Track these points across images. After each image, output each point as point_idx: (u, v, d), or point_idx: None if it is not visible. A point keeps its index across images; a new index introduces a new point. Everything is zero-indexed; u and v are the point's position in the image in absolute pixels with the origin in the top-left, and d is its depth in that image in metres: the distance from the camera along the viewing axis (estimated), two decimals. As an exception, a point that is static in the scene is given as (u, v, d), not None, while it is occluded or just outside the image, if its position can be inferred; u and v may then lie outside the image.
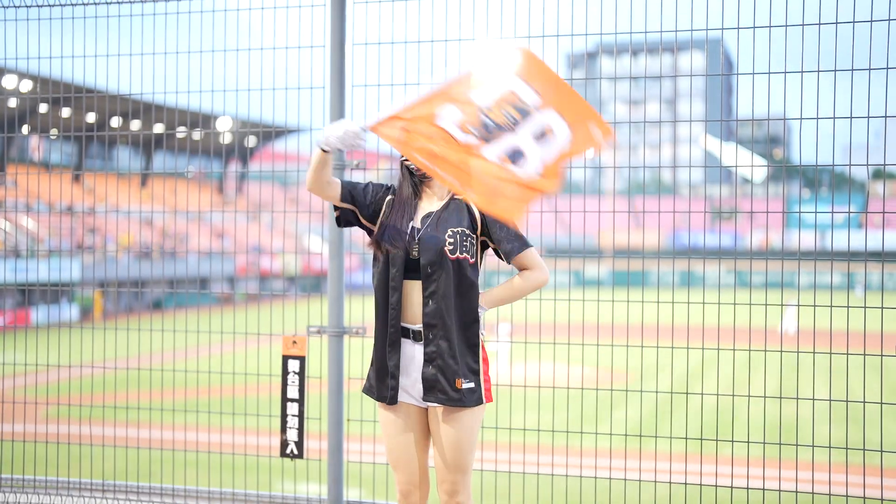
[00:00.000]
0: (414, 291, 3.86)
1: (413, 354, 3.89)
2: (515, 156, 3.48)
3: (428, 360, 3.84)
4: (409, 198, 3.95)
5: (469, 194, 3.49)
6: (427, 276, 3.82)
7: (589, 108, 3.59)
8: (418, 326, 3.86)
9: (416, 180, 3.98)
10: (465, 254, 3.86)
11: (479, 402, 3.88)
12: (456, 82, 3.61)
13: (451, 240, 3.85)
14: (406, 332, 3.90)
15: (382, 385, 3.94)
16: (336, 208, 3.97)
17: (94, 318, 30.57)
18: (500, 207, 3.46)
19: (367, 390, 4.03)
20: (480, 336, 3.93)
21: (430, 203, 3.98)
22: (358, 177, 4.65)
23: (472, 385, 3.87)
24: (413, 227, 3.89)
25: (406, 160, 3.89)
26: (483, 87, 3.58)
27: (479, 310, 3.93)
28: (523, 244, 3.95)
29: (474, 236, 3.93)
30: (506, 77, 3.59)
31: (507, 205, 3.46)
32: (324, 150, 3.66)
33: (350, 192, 3.91)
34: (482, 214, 3.92)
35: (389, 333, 3.88)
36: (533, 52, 3.64)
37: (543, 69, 3.62)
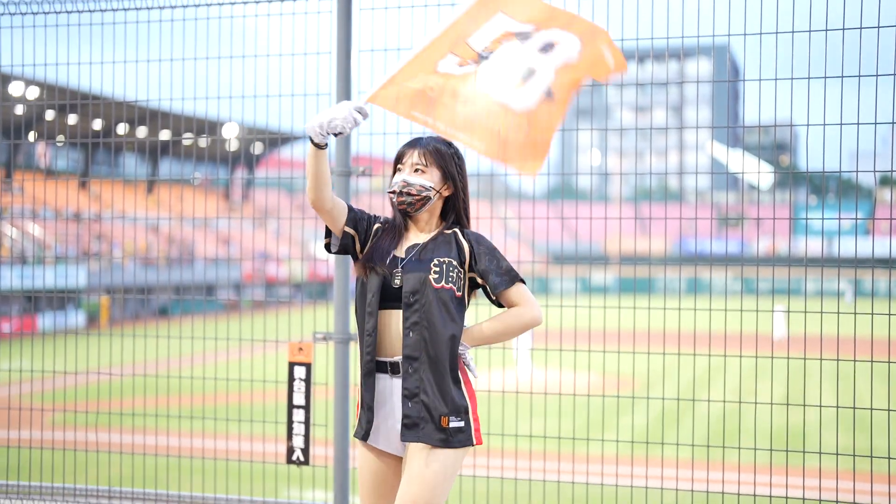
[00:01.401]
0: (392, 321, 3.61)
1: (391, 391, 3.62)
2: (527, 74, 3.36)
3: (408, 395, 3.55)
4: (399, 227, 3.74)
5: (475, 143, 3.37)
6: (408, 305, 3.57)
7: (601, 31, 3.39)
8: (396, 359, 3.60)
9: (402, 213, 3.76)
10: (450, 284, 3.60)
11: (467, 442, 3.59)
12: (450, 31, 3.50)
13: (437, 269, 3.60)
14: (382, 366, 3.63)
15: (362, 420, 3.67)
16: (329, 233, 3.75)
17: (101, 324, 30.61)
18: (510, 158, 3.33)
19: (357, 431, 3.74)
20: (468, 373, 3.69)
21: (416, 236, 3.76)
22: (364, 183, 4.61)
23: (461, 424, 3.57)
24: (395, 256, 3.67)
25: (392, 191, 3.70)
26: (477, 34, 3.48)
27: (462, 348, 3.66)
28: (512, 279, 3.66)
29: (462, 269, 3.66)
30: (497, 20, 3.48)
31: (516, 155, 3.34)
32: (316, 146, 3.50)
33: (355, 219, 3.71)
34: (471, 247, 3.69)
35: (365, 363, 3.62)
36: None
37: (535, 4, 3.48)
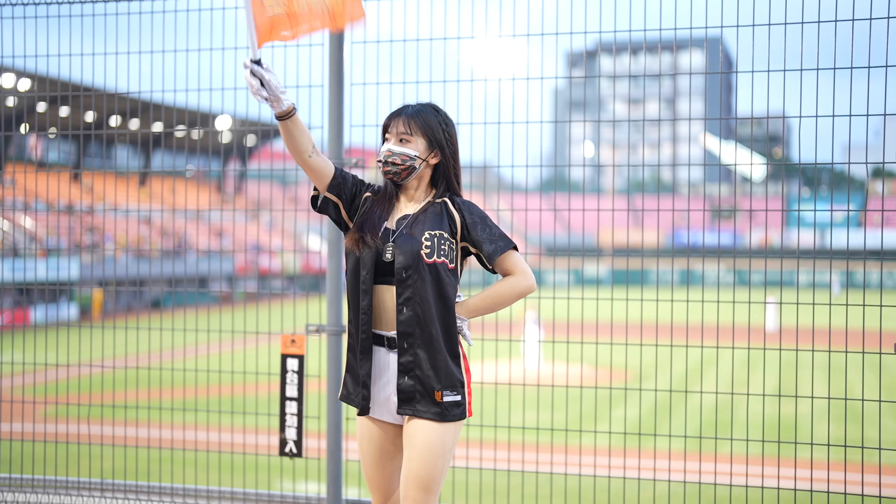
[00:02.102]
0: (387, 296, 3.62)
1: (387, 363, 3.65)
2: None
3: (404, 370, 3.58)
4: (390, 196, 3.74)
5: (316, 24, 3.46)
6: (401, 281, 3.56)
7: None
8: (392, 333, 3.62)
9: (391, 182, 3.76)
10: (442, 258, 3.60)
11: (462, 416, 3.63)
12: None
13: (428, 243, 3.59)
14: (379, 340, 3.65)
15: (355, 393, 3.72)
16: (316, 189, 3.74)
17: (94, 316, 30.58)
18: (338, 20, 3.48)
19: (345, 397, 3.79)
20: (463, 343, 3.72)
21: (407, 207, 3.75)
22: (357, 175, 4.59)
23: (457, 398, 3.61)
24: (387, 228, 3.67)
25: (379, 161, 3.70)
26: None
27: (458, 320, 3.68)
28: (507, 244, 3.67)
29: (453, 241, 3.66)
30: None
31: (342, 14, 3.50)
32: (279, 118, 3.48)
33: (339, 186, 3.70)
34: (462, 217, 3.69)
35: (361, 340, 3.63)
36: None
37: None
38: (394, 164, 3.68)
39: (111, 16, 5.97)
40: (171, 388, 15.57)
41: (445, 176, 3.79)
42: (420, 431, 3.57)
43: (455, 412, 3.60)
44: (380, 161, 3.72)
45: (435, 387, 3.57)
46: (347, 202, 3.74)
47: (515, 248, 3.73)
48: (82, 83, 6.60)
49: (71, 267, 29.54)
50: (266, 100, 3.41)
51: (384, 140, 3.75)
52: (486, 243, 3.66)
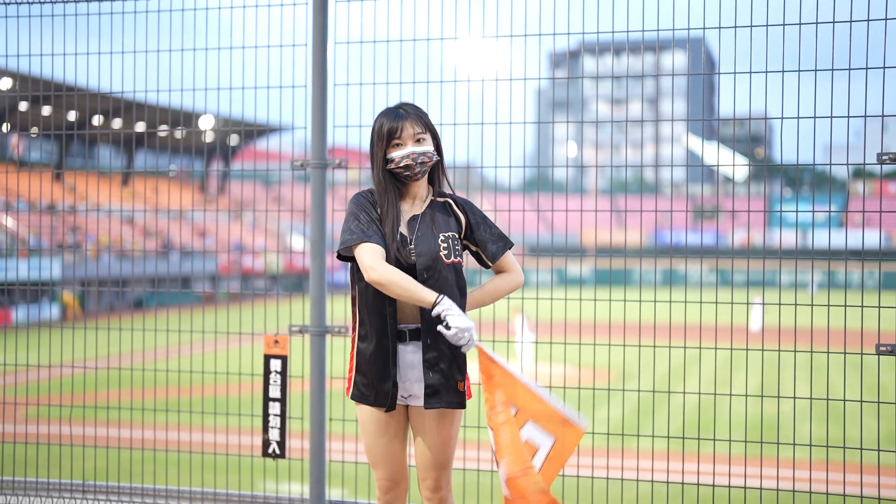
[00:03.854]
0: None
1: (409, 359, 3.80)
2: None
3: (429, 366, 3.75)
4: (392, 205, 3.80)
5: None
6: (423, 282, 3.70)
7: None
8: (403, 326, 3.78)
9: (399, 184, 3.84)
10: (457, 258, 3.80)
11: (465, 402, 3.88)
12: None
13: (445, 245, 3.77)
14: (402, 336, 3.80)
15: (380, 392, 3.82)
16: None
17: (70, 318, 30.42)
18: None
19: (359, 398, 3.89)
20: None
21: (413, 207, 3.87)
22: (340, 175, 4.58)
23: (467, 385, 3.88)
24: (403, 235, 3.77)
25: (404, 165, 3.74)
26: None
27: None
28: (506, 244, 3.93)
29: (459, 239, 3.86)
30: None
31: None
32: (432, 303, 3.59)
33: (382, 238, 3.75)
34: (467, 216, 3.89)
35: (391, 340, 3.76)
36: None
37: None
38: (423, 163, 3.79)
39: (94, 15, 5.95)
40: (154, 389, 15.50)
41: (443, 172, 3.96)
42: (437, 420, 3.83)
43: (465, 399, 3.86)
44: (405, 165, 3.76)
45: (457, 378, 3.79)
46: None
47: (512, 245, 3.97)
48: (64, 82, 6.57)
49: (53, 267, 29.38)
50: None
51: (394, 146, 3.78)
52: (489, 243, 3.90)
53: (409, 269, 3.72)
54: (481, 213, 3.93)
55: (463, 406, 3.84)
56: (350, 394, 3.94)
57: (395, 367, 3.78)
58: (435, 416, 3.83)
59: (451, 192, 3.99)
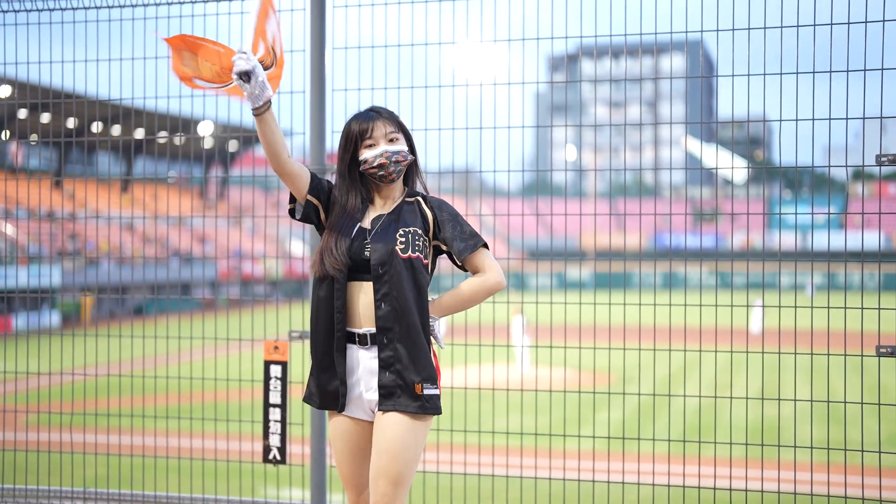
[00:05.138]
0: (361, 293, 3.62)
1: (359, 360, 3.64)
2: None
3: (384, 365, 3.57)
4: (355, 206, 3.71)
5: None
6: (378, 277, 3.57)
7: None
8: (365, 330, 3.61)
9: (370, 186, 3.76)
10: (417, 253, 3.62)
11: (436, 411, 3.62)
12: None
13: (403, 239, 3.61)
14: (352, 337, 3.64)
15: (327, 393, 3.69)
16: (293, 199, 3.74)
17: (84, 321, 30.39)
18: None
19: (308, 398, 3.77)
20: (434, 344, 3.72)
21: (383, 206, 3.75)
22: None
23: (434, 391, 3.61)
24: (362, 228, 3.67)
25: (376, 165, 3.65)
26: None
27: (430, 319, 3.69)
28: (477, 242, 3.68)
29: (427, 238, 3.69)
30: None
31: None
32: (253, 113, 3.46)
33: (317, 187, 3.69)
34: (434, 215, 3.72)
35: (337, 339, 3.62)
36: None
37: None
38: (397, 162, 3.68)
39: (91, 22, 5.95)
40: (154, 395, 15.51)
41: (417, 172, 3.85)
42: (392, 425, 3.56)
43: (433, 406, 3.60)
44: (378, 165, 3.67)
45: (415, 379, 3.56)
46: (325, 202, 3.74)
47: (486, 245, 3.75)
48: (63, 90, 6.57)
49: (52, 274, 29.38)
50: (248, 90, 3.40)
51: (365, 147, 3.70)
52: (456, 241, 3.68)
53: (364, 264, 3.61)
54: (452, 212, 3.74)
55: (423, 411, 3.57)
56: (303, 395, 3.83)
57: (342, 366, 3.63)
58: (390, 420, 3.56)
59: (425, 192, 3.85)
